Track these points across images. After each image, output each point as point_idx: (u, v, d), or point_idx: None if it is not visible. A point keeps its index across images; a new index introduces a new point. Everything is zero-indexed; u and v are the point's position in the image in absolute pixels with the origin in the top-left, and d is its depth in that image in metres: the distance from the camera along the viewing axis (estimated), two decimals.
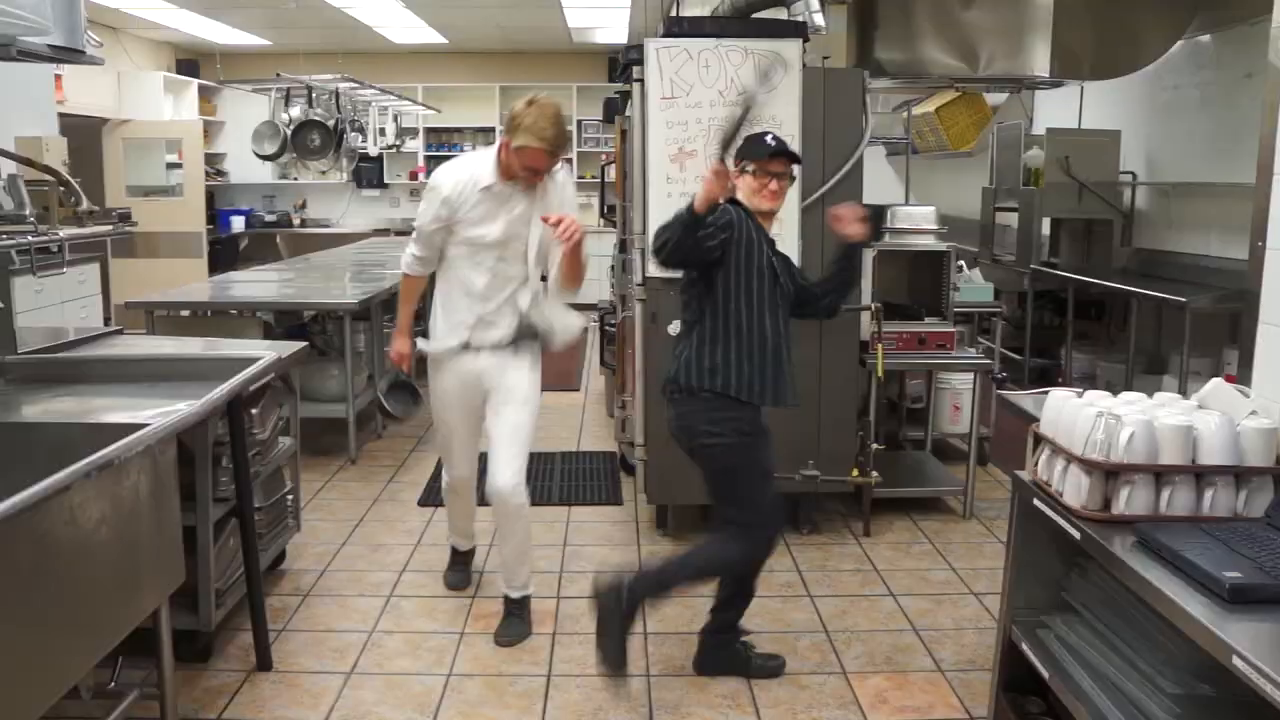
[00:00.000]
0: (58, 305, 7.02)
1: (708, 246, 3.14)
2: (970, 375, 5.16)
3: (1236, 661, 1.76)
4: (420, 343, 3.84)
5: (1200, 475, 2.38)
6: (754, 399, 3.26)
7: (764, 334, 3.28)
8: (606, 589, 3.18)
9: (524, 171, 3.45)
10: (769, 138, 3.38)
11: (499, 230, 3.56)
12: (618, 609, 3.14)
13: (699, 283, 3.29)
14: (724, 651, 3.48)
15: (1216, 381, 2.66)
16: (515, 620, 3.76)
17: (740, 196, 3.35)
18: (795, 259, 3.98)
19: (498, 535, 3.78)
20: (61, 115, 8.06)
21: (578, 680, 3.42)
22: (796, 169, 3.56)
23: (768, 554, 3.42)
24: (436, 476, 5.60)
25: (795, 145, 4.39)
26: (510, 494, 3.57)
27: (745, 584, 3.45)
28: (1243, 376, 2.74)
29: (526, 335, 3.70)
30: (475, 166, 3.56)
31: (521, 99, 3.42)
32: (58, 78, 8.23)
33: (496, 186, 3.52)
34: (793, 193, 4.39)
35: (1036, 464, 2.71)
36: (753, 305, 3.27)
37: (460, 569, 4.22)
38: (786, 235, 4.26)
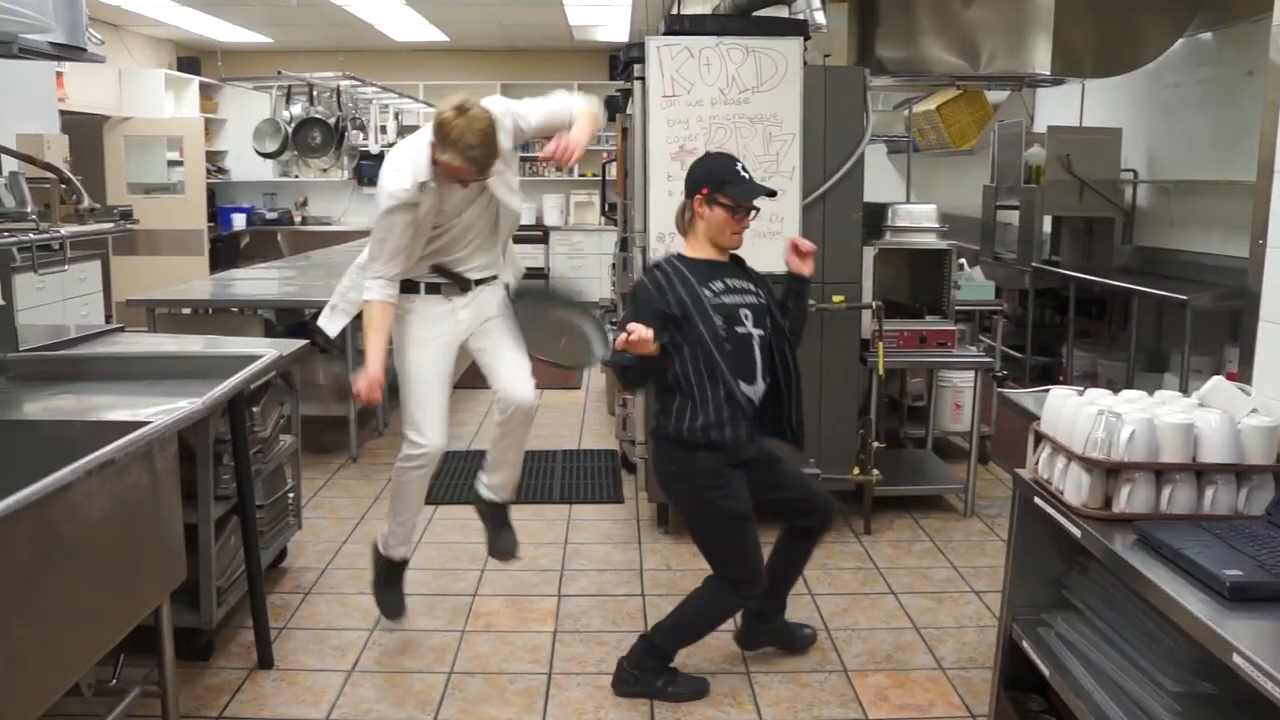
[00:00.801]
0: (59, 303, 7.02)
1: (661, 355, 3.10)
2: (971, 373, 5.15)
3: (1237, 659, 1.77)
4: (326, 324, 3.71)
5: (1201, 473, 2.38)
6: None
7: (721, 371, 3.15)
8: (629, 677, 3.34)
9: (450, 179, 3.25)
10: (739, 167, 3.21)
11: (453, 221, 3.39)
12: (654, 672, 3.32)
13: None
14: (765, 626, 3.56)
15: (1217, 379, 2.66)
16: (508, 530, 3.82)
17: (701, 230, 3.22)
18: None
19: (505, 441, 3.63)
20: (63, 113, 8.06)
21: (578, 678, 3.43)
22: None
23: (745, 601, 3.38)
24: (437, 475, 5.56)
25: (796, 144, 4.40)
26: (532, 400, 3.56)
27: (787, 565, 3.54)
28: (1244, 374, 2.74)
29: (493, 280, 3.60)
30: (413, 163, 3.25)
31: (450, 102, 3.15)
32: (59, 75, 8.22)
33: (433, 183, 3.27)
34: (794, 191, 4.41)
35: (1037, 462, 2.71)
36: (710, 351, 3.15)
37: (398, 587, 3.75)
38: (786, 234, 4.26)
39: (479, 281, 3.54)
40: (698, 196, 3.20)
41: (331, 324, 3.74)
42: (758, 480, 3.28)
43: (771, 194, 3.23)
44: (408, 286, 3.46)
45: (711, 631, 3.41)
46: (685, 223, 3.29)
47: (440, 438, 3.49)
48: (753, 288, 3.28)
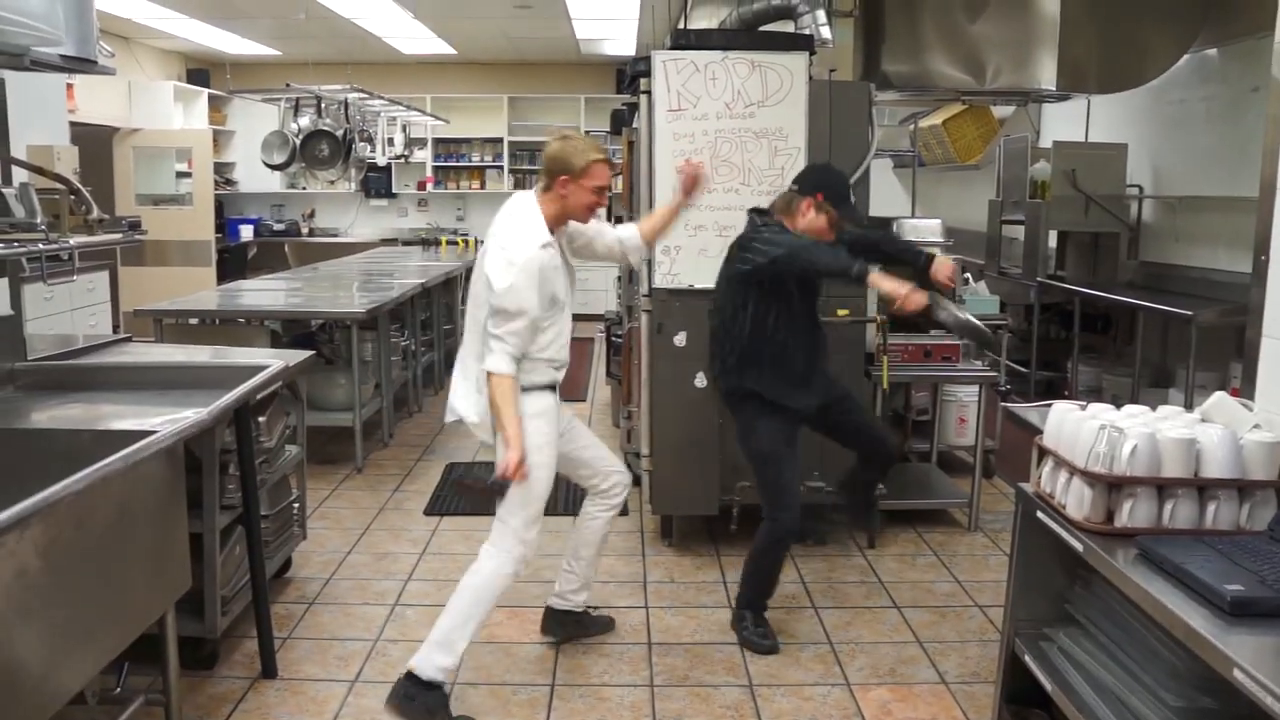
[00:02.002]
0: (67, 313, 7.05)
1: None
2: (976, 388, 5.15)
3: (1238, 674, 1.77)
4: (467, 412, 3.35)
5: (1203, 488, 2.39)
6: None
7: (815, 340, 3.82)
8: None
9: (593, 198, 3.24)
10: (850, 191, 3.79)
11: (565, 286, 3.34)
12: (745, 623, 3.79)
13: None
14: (860, 499, 4.25)
15: (1220, 395, 2.66)
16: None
17: (801, 223, 3.67)
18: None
19: (594, 538, 3.68)
20: (73, 124, 8.09)
21: (581, 690, 3.43)
22: None
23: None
24: (443, 486, 5.62)
25: (801, 158, 4.42)
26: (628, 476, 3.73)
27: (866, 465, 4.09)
28: (1247, 390, 2.74)
29: None
30: (532, 231, 3.19)
31: (551, 141, 3.25)
32: (69, 87, 8.26)
33: (551, 240, 3.23)
34: None
35: (1040, 476, 2.71)
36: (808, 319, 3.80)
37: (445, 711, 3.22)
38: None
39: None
40: (812, 198, 3.66)
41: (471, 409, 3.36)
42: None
43: (861, 225, 3.91)
44: (527, 387, 3.25)
45: (774, 568, 3.78)
46: (791, 210, 3.71)
47: (537, 534, 3.36)
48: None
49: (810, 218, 3.67)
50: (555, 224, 3.27)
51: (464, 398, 3.34)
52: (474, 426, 3.32)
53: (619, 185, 6.81)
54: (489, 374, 3.12)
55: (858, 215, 3.75)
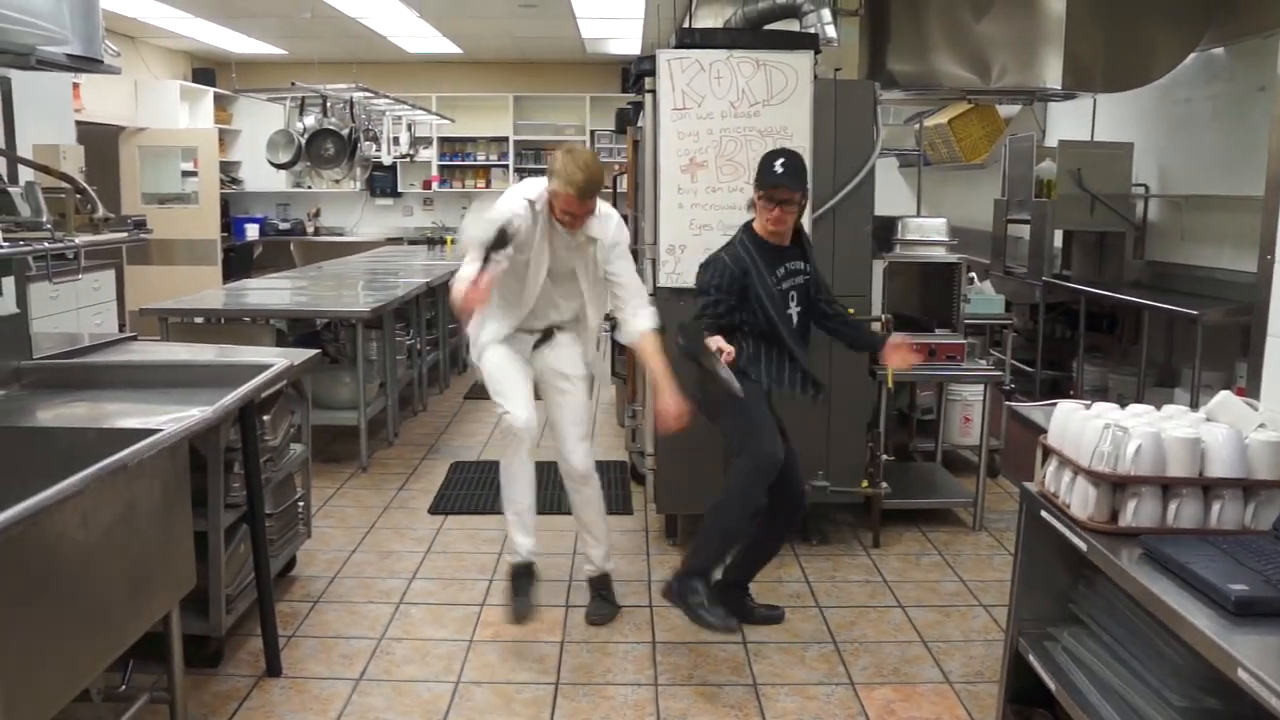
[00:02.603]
0: (73, 311, 7.07)
1: (723, 315, 3.60)
2: (981, 387, 5.15)
3: (1242, 674, 1.77)
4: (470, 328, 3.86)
5: (1208, 488, 2.38)
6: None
7: (783, 338, 3.69)
8: (676, 591, 3.58)
9: (563, 215, 3.58)
10: (778, 164, 3.58)
11: (546, 256, 3.70)
12: (696, 594, 3.53)
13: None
14: (728, 598, 3.76)
15: (1225, 394, 2.66)
16: (596, 600, 4.03)
17: (758, 223, 3.68)
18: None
19: (580, 509, 4.01)
20: (79, 123, 8.11)
21: (585, 689, 3.43)
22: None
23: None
24: (448, 485, 5.62)
25: (806, 157, 4.40)
26: (581, 468, 3.91)
27: (757, 544, 3.82)
28: (1252, 389, 2.74)
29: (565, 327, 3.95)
30: (531, 189, 3.69)
31: (560, 150, 3.59)
32: (75, 86, 8.29)
33: (540, 206, 3.63)
34: None
35: (1045, 476, 2.71)
36: (769, 320, 3.66)
37: (525, 595, 3.83)
38: None
39: (552, 328, 3.88)
40: (755, 195, 3.69)
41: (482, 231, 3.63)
42: None
43: (786, 181, 3.60)
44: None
45: (739, 522, 3.56)
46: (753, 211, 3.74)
47: (525, 410, 3.72)
48: (803, 266, 3.78)
49: (759, 214, 3.68)
50: (551, 210, 3.63)
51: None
52: None
53: (624, 184, 6.82)
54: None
55: (776, 175, 3.57)
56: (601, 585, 4.06)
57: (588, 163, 3.52)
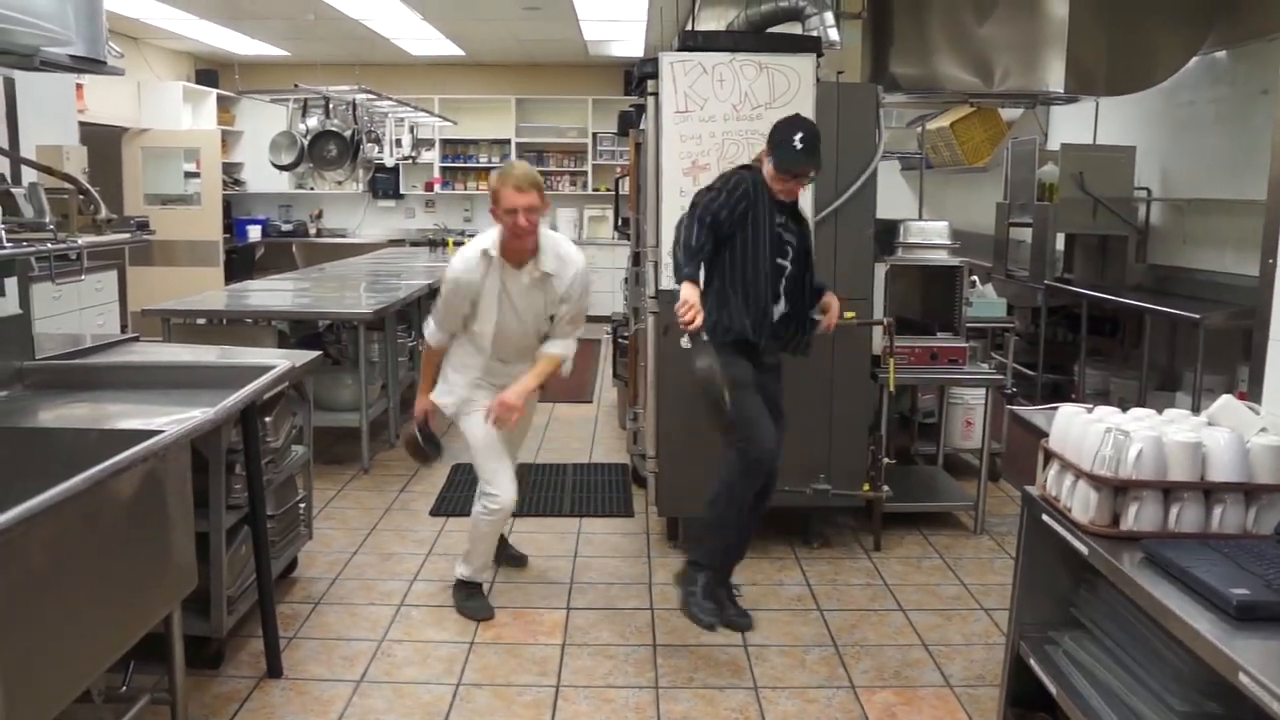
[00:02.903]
0: (76, 312, 7.08)
1: (724, 220, 3.60)
2: (982, 390, 5.15)
3: (1243, 679, 1.76)
4: (436, 395, 4.04)
5: (1209, 492, 2.38)
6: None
7: (762, 289, 3.70)
8: (680, 578, 3.75)
9: (508, 219, 3.68)
10: (797, 139, 3.63)
11: (503, 301, 3.82)
12: (693, 584, 3.68)
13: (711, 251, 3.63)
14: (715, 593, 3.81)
15: (1226, 398, 2.66)
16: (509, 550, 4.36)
17: (764, 174, 3.70)
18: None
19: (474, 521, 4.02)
20: (82, 124, 8.13)
21: (586, 691, 3.43)
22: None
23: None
24: (449, 486, 5.62)
25: None
26: (511, 503, 3.95)
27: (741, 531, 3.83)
28: (1254, 393, 2.74)
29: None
30: (478, 244, 3.85)
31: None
32: (79, 87, 8.30)
33: (494, 254, 3.77)
34: (806, 206, 4.41)
35: (1046, 479, 2.71)
36: (758, 266, 3.69)
37: (481, 598, 4.11)
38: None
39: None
40: (766, 148, 3.72)
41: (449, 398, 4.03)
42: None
43: (805, 170, 3.68)
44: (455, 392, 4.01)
45: (737, 515, 3.67)
46: (761, 159, 3.75)
47: (512, 490, 3.91)
48: (796, 230, 3.83)
49: (767, 168, 3.70)
50: (505, 248, 3.77)
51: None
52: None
53: (626, 186, 6.82)
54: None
55: (798, 159, 3.63)
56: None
57: (515, 163, 3.99)
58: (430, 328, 4.01)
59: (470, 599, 4.07)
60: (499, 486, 3.88)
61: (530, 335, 3.94)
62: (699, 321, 3.38)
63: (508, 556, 4.49)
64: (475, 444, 3.92)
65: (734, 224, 3.63)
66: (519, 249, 3.76)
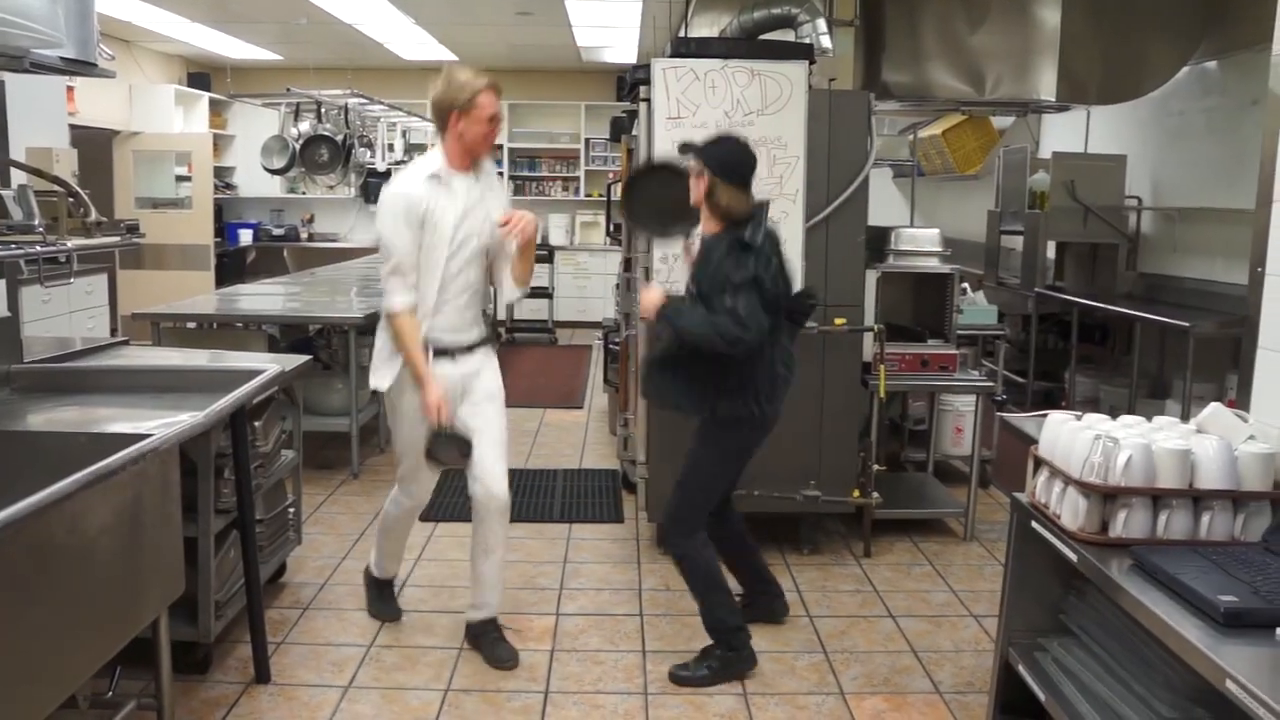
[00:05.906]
0: (65, 315, 7.05)
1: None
2: (972, 397, 5.16)
3: (1230, 685, 1.77)
4: (376, 380, 3.59)
5: (1198, 499, 2.39)
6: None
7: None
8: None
9: (487, 127, 3.37)
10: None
11: (461, 227, 3.42)
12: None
13: None
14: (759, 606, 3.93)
15: (1215, 406, 2.67)
16: (503, 643, 3.68)
17: (719, 213, 3.44)
18: (798, 280, 4.01)
19: (482, 549, 3.60)
20: (73, 127, 8.12)
21: (575, 697, 3.42)
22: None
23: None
24: (438, 491, 5.55)
25: (800, 167, 4.42)
26: (506, 499, 3.57)
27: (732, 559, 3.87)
28: (1243, 401, 2.75)
29: (490, 337, 3.73)
30: (403, 174, 3.54)
31: (435, 83, 3.38)
32: (70, 89, 8.28)
33: (445, 175, 3.41)
34: (797, 214, 4.43)
35: (1035, 486, 2.71)
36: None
37: (391, 601, 4.04)
38: (790, 255, 4.26)
39: (470, 348, 3.58)
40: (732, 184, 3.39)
41: (382, 379, 3.60)
42: None
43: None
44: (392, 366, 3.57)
45: (712, 569, 3.59)
46: (711, 202, 3.42)
47: (426, 495, 3.84)
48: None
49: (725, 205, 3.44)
50: (461, 162, 3.43)
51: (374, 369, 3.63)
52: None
53: (618, 192, 6.82)
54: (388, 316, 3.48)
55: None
56: (492, 626, 3.73)
57: (460, 65, 3.41)
58: (391, 292, 3.43)
59: (379, 599, 4.02)
60: (417, 488, 3.74)
61: (476, 273, 3.51)
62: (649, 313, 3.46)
63: (390, 611, 4.02)
64: (401, 438, 3.63)
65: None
66: (471, 161, 3.44)
